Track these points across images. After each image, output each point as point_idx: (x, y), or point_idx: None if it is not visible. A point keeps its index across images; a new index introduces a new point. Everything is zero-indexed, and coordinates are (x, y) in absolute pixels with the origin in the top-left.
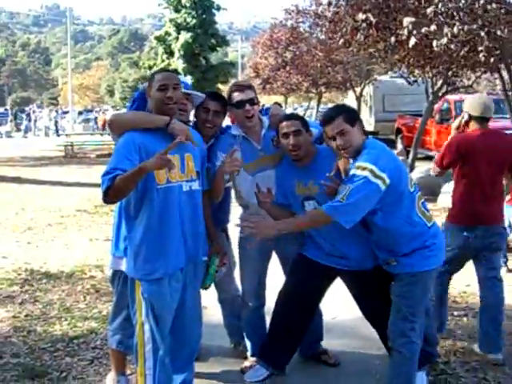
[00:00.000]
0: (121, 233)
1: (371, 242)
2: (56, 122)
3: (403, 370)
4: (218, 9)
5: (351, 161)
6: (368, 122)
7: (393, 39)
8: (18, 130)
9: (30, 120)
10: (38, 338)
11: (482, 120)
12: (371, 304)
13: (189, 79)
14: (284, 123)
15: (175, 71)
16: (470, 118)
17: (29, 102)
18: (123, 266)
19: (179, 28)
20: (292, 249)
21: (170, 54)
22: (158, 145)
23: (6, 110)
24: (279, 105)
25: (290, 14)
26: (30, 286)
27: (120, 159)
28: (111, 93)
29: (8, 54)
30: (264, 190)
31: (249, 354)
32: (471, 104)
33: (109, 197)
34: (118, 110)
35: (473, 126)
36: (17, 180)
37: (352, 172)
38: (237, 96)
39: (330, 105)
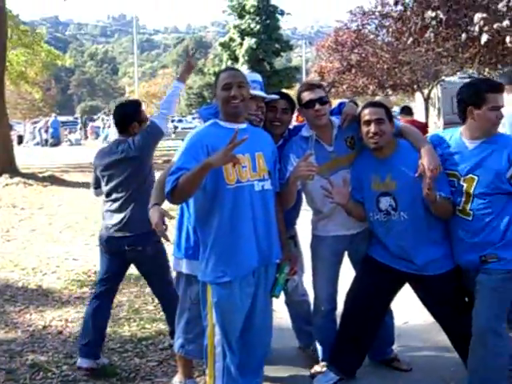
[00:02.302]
0: (182, 234)
1: (472, 238)
2: None
3: (496, 369)
4: (282, 14)
5: (474, 144)
6: (436, 124)
7: (464, 36)
8: (87, 137)
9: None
10: (107, 339)
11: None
12: (441, 310)
13: (259, 76)
14: (367, 110)
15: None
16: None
17: (97, 110)
18: (183, 267)
19: (243, 34)
20: (365, 248)
21: (235, 59)
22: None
23: (75, 118)
24: (355, 103)
25: (355, 15)
26: None
27: (186, 159)
28: None
29: (77, 64)
30: (339, 186)
31: (319, 358)
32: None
33: (174, 197)
34: (183, 117)
35: None
36: (86, 185)
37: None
38: (307, 95)
39: (396, 108)
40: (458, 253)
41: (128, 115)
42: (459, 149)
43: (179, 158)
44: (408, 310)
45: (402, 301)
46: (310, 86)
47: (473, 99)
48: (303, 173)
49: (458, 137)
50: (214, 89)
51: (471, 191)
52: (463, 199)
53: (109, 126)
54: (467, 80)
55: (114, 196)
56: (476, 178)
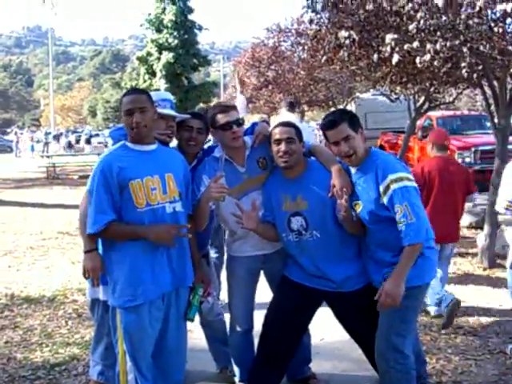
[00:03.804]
0: None
1: (376, 256)
2: (46, 144)
3: (403, 380)
4: (200, 29)
5: (354, 171)
6: None
7: (375, 56)
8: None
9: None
10: (18, 366)
11: None
12: (356, 327)
13: (169, 95)
14: (277, 129)
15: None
16: None
17: (10, 123)
18: (101, 294)
19: (161, 48)
20: (281, 267)
21: (152, 74)
22: (136, 169)
23: None
24: (267, 123)
25: (271, 32)
26: (10, 311)
27: (104, 194)
28: (93, 113)
29: None
30: (250, 209)
31: (237, 379)
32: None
33: (97, 236)
34: (100, 130)
35: None
36: None
37: (393, 187)
38: (222, 118)
39: (313, 123)
40: (368, 270)
41: None
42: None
43: (96, 194)
44: (324, 327)
45: (317, 318)
46: (225, 108)
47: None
48: (214, 194)
49: None
50: (120, 113)
51: (359, 215)
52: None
53: (17, 141)
54: (380, 96)
55: None
56: (361, 204)
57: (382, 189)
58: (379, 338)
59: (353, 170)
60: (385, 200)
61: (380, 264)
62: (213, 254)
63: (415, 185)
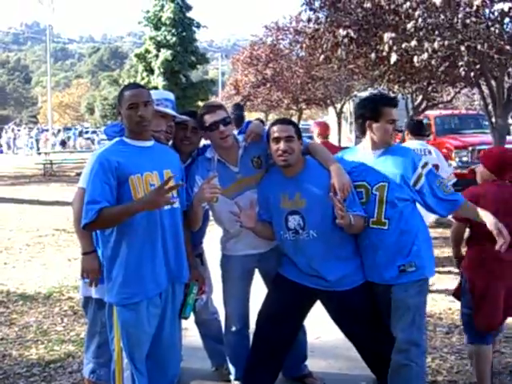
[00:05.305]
0: None
1: (398, 245)
2: (37, 140)
3: (420, 382)
4: (198, 26)
5: (372, 156)
6: (348, 138)
7: (373, 55)
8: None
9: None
10: (13, 363)
11: None
12: (350, 326)
13: (171, 95)
14: (276, 127)
15: (155, 88)
16: None
17: (8, 120)
18: (93, 292)
19: (159, 46)
20: (275, 265)
21: (150, 71)
22: (136, 165)
23: None
24: (261, 121)
25: (270, 30)
26: (5, 308)
27: (100, 185)
28: (91, 111)
29: None
30: (246, 207)
31: (232, 377)
32: None
33: (92, 228)
34: (97, 128)
35: None
36: None
37: (427, 170)
38: (209, 118)
39: (311, 122)
40: (373, 267)
41: None
42: (364, 161)
43: (91, 186)
44: (320, 325)
45: (313, 316)
46: (211, 108)
47: (371, 114)
48: (206, 195)
49: (360, 151)
50: (118, 106)
51: (384, 198)
52: (377, 209)
53: (14, 138)
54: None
55: None
56: (386, 184)
57: (419, 169)
58: (401, 333)
59: (375, 154)
60: (422, 179)
61: (398, 256)
62: None
63: None
